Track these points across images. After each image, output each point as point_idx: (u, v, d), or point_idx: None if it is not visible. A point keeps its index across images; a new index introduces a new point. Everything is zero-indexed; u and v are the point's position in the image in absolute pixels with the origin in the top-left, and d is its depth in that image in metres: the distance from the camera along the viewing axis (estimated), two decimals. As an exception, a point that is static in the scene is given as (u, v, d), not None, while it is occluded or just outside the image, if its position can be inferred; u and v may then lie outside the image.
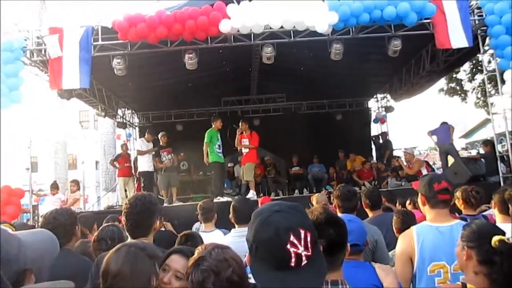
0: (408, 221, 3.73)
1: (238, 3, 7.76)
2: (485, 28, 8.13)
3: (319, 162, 12.77)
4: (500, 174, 8.38)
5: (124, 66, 8.28)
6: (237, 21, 7.55)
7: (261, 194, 10.91)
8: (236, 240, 3.40)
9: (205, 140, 9.38)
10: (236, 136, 9.89)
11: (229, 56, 10.25)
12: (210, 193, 10.50)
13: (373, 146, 14.70)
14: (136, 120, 14.98)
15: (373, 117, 15.27)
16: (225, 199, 9.06)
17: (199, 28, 7.55)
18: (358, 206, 3.82)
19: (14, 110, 7.75)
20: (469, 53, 9.65)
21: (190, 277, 1.54)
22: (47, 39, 7.93)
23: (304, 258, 1.23)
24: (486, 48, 8.72)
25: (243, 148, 9.86)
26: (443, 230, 2.58)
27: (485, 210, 4.37)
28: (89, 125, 33.39)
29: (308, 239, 1.25)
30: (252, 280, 1.39)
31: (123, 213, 2.68)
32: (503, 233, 2.02)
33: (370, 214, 4.48)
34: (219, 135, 9.60)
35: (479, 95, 16.25)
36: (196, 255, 1.58)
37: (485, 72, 8.96)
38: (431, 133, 10.55)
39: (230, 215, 3.85)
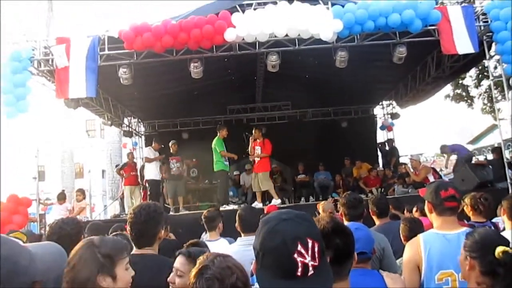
0: (415, 228, 3.69)
1: (243, 12, 7.81)
2: (490, 34, 8.12)
3: (325, 169, 12.73)
4: (508, 181, 8.31)
5: (130, 75, 8.33)
6: (242, 29, 7.59)
7: (267, 202, 10.89)
8: (242, 249, 3.38)
9: (219, 148, 9.44)
10: (250, 143, 9.92)
11: (234, 64, 10.29)
12: (216, 202, 10.50)
13: (379, 153, 14.64)
14: (142, 129, 15.04)
15: (379, 124, 15.23)
16: (231, 207, 9.06)
17: (205, 37, 7.59)
18: (365, 214, 3.80)
19: (21, 119, 7.81)
20: (475, 59, 9.62)
21: (194, 286, 1.54)
22: (55, 49, 8.01)
23: (310, 268, 1.22)
24: (492, 53, 8.70)
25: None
26: (450, 238, 2.56)
27: None
28: (96, 134, 33.54)
29: (316, 249, 1.25)
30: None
31: (127, 222, 2.68)
32: (508, 243, 1.97)
33: (377, 222, 4.45)
34: (224, 144, 9.64)
35: (485, 101, 16.18)
36: (198, 264, 1.57)
37: (491, 78, 8.93)
38: (450, 149, 10.40)
39: (236, 224, 3.84)
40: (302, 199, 11.95)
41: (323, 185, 12.14)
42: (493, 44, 8.34)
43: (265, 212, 5.48)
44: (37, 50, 8.24)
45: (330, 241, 1.74)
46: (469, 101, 16.47)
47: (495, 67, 11.84)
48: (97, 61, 8.02)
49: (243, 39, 7.80)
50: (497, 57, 8.95)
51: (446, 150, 10.48)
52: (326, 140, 13.25)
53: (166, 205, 10.52)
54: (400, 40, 8.23)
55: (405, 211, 5.91)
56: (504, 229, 3.69)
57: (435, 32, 8.06)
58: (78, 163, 29.29)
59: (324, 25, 7.57)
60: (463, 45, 7.88)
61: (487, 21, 8.14)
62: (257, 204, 9.11)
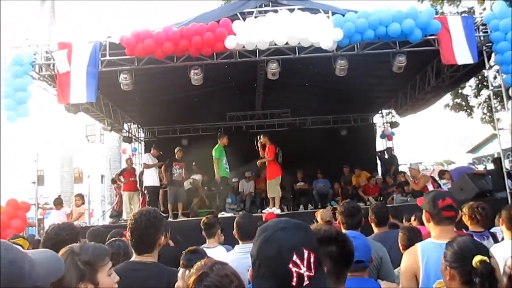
0: (414, 237, 3.69)
1: (244, 19, 7.85)
2: (490, 44, 8.16)
3: (324, 177, 12.72)
4: (508, 190, 8.31)
5: (131, 81, 8.36)
6: (242, 37, 7.63)
7: (266, 209, 10.88)
8: (240, 256, 3.38)
9: (215, 156, 9.45)
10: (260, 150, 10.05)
11: (235, 71, 10.32)
12: (215, 209, 10.49)
13: (378, 162, 14.64)
14: (141, 135, 15.06)
15: (378, 132, 15.25)
16: (229, 214, 9.05)
17: (205, 44, 7.63)
18: (363, 223, 3.79)
19: (21, 123, 7.82)
20: (475, 69, 9.65)
21: None
22: (56, 54, 8.04)
23: (306, 278, 1.22)
24: (492, 64, 8.74)
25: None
26: (447, 247, 2.56)
27: None
28: (95, 139, 33.56)
29: (312, 259, 1.24)
30: None
31: (128, 228, 2.67)
32: (486, 252, 2.01)
33: (376, 230, 4.44)
34: (225, 151, 9.71)
35: (485, 111, 16.20)
36: (197, 271, 1.57)
37: (491, 87, 8.96)
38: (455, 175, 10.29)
39: (234, 231, 3.83)
40: (301, 207, 11.93)
41: (322, 193, 12.12)
42: (493, 55, 8.38)
43: (264, 219, 5.47)
44: (39, 54, 8.26)
45: (326, 248, 1.75)
46: (468, 110, 16.48)
47: (495, 77, 11.88)
48: (98, 67, 8.06)
49: (244, 46, 7.84)
50: (496, 67, 9.01)
51: (447, 177, 10.43)
52: (325, 148, 13.25)
53: (162, 212, 10.50)
54: (400, 49, 8.27)
55: (403, 220, 5.91)
56: (503, 239, 3.69)
57: (435, 41, 8.11)
58: (77, 168, 29.30)
59: (324, 34, 7.61)
60: (463, 55, 7.92)
61: (486, 32, 8.18)
62: (275, 210, 9.14)
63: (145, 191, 10.93)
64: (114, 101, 11.50)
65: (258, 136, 10.51)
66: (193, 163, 12.21)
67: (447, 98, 15.69)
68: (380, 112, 15.47)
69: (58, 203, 11.13)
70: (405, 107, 13.20)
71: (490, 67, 8.95)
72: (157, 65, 8.40)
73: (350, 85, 10.80)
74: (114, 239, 3.61)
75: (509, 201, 7.83)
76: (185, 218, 10.04)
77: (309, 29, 7.61)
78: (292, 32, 7.64)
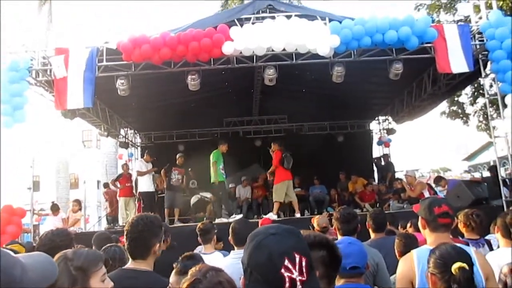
0: (410, 244, 3.69)
1: (241, 25, 7.87)
2: (486, 52, 8.20)
3: (321, 183, 12.72)
4: (503, 198, 8.33)
5: (128, 87, 8.36)
6: (240, 43, 7.65)
7: (262, 215, 10.85)
8: (235, 262, 3.36)
9: (212, 159, 9.54)
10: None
11: (232, 77, 10.34)
12: (213, 214, 10.48)
13: (374, 168, 14.66)
14: (138, 140, 15.04)
15: (375, 139, 15.29)
16: (225, 220, 9.03)
17: (203, 50, 7.64)
18: (359, 229, 3.78)
19: (17, 129, 7.79)
20: (471, 77, 9.70)
21: None
22: (53, 59, 8.03)
23: (298, 283, 1.21)
24: (488, 72, 8.79)
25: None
26: (443, 254, 2.56)
27: None
28: (92, 144, 33.49)
29: (303, 264, 1.23)
30: None
31: (124, 232, 2.66)
32: (468, 259, 2.03)
33: (372, 236, 4.44)
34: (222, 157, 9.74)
35: (481, 118, 16.26)
36: (190, 277, 1.56)
37: (486, 95, 9.00)
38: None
39: (229, 237, 3.82)
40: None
41: (318, 199, 12.12)
42: (489, 63, 8.42)
43: (259, 225, 5.46)
44: (36, 60, 8.25)
45: (318, 254, 1.76)
46: (464, 118, 16.56)
47: (491, 85, 11.93)
48: (95, 72, 8.05)
49: (241, 52, 7.86)
50: (492, 75, 9.03)
51: (443, 184, 10.44)
52: (322, 154, 13.26)
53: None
54: (396, 56, 8.31)
55: (399, 227, 5.91)
56: (498, 246, 3.69)
57: (431, 49, 8.14)
58: (73, 174, 29.18)
59: (321, 40, 7.64)
60: (458, 64, 7.96)
61: (482, 40, 8.23)
62: (271, 216, 9.20)
63: (140, 197, 10.90)
64: (111, 106, 11.49)
65: (268, 147, 10.49)
66: (189, 169, 12.20)
67: (444, 105, 15.78)
68: (376, 118, 15.51)
69: (55, 209, 11.09)
70: (401, 114, 13.25)
71: (486, 75, 9.01)
72: (154, 71, 8.40)
73: (347, 92, 10.84)
74: (110, 244, 3.60)
75: (505, 209, 7.84)
76: (181, 224, 10.01)
77: (306, 35, 7.64)
78: (289, 39, 7.67)
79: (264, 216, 8.90)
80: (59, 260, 1.76)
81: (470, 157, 32.02)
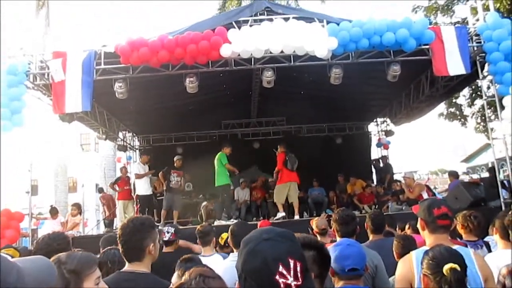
0: (408, 245, 3.69)
1: (239, 28, 7.88)
2: (483, 54, 8.21)
3: (319, 185, 12.71)
4: (501, 199, 8.34)
5: (126, 90, 8.35)
6: (238, 45, 7.66)
7: (261, 218, 10.87)
8: (233, 264, 3.35)
9: (223, 161, 9.72)
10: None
11: (230, 79, 10.35)
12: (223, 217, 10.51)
13: (373, 170, 14.67)
14: (136, 143, 15.02)
15: (373, 141, 15.30)
16: (224, 222, 9.04)
17: (201, 52, 7.64)
18: (358, 231, 3.78)
19: (16, 133, 7.78)
20: (469, 79, 9.72)
21: None
22: (51, 63, 8.02)
23: None
24: (485, 73, 8.79)
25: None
26: (442, 256, 2.56)
27: None
28: (90, 148, 33.41)
29: (298, 268, 1.22)
30: None
31: (117, 236, 2.65)
32: (461, 260, 2.04)
33: (371, 237, 4.44)
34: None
35: (478, 120, 16.28)
36: (178, 281, 1.56)
37: (484, 97, 9.01)
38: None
39: (228, 239, 3.82)
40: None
41: (317, 201, 12.11)
42: (486, 65, 8.43)
43: (258, 227, 5.45)
44: (33, 64, 8.24)
45: (308, 253, 1.79)
46: (462, 120, 16.57)
47: (488, 87, 11.94)
48: (93, 75, 8.04)
49: (239, 55, 7.86)
50: (490, 77, 9.04)
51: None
52: (320, 156, 13.26)
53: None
54: (394, 58, 8.32)
55: (397, 228, 5.92)
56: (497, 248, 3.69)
57: (429, 51, 8.16)
58: (71, 177, 29.11)
59: (319, 43, 7.65)
60: (455, 66, 7.97)
61: (480, 42, 8.25)
62: (279, 214, 9.53)
63: (137, 200, 10.88)
64: (109, 109, 11.48)
65: (274, 149, 10.56)
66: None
67: (441, 107, 15.78)
68: (375, 120, 15.52)
69: (54, 212, 11.07)
70: (399, 115, 13.26)
71: (484, 77, 9.01)
72: (152, 74, 8.40)
73: (345, 94, 10.85)
74: (109, 247, 3.58)
75: (503, 210, 7.84)
76: (180, 227, 9.96)
77: (304, 37, 7.65)
78: (287, 41, 7.68)
79: (266, 219, 8.95)
80: (53, 263, 1.76)
81: (468, 159, 32.01)
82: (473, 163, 29.59)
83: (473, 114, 16.35)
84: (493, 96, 8.54)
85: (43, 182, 27.32)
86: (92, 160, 28.91)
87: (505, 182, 8.84)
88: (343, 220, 3.67)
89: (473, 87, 14.56)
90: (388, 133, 14.66)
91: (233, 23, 8.04)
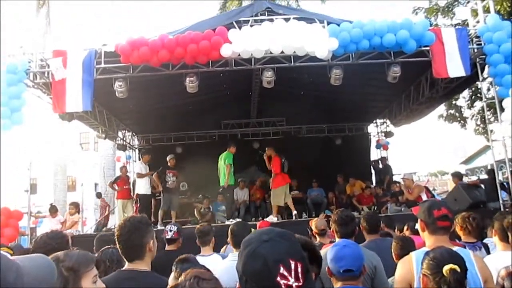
0: (407, 247, 3.69)
1: (240, 28, 7.88)
2: (483, 56, 8.22)
3: (318, 186, 12.69)
4: (501, 201, 8.34)
5: (126, 89, 8.35)
6: (238, 45, 7.66)
7: (260, 218, 10.86)
8: (233, 264, 3.35)
9: (227, 162, 9.73)
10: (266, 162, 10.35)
11: (230, 79, 10.34)
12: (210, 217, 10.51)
13: (372, 171, 14.66)
14: (136, 142, 15.01)
15: (373, 142, 15.30)
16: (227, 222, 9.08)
17: (201, 52, 7.64)
18: (357, 232, 3.78)
19: (15, 131, 7.77)
20: (468, 81, 9.72)
21: None
22: (51, 62, 8.02)
23: None
24: (485, 76, 8.80)
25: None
26: (442, 257, 2.56)
27: None
28: (89, 147, 33.37)
29: (299, 269, 1.21)
30: None
31: (115, 236, 2.65)
32: (462, 262, 2.05)
33: (367, 238, 4.44)
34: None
35: (478, 122, 16.28)
36: (174, 282, 1.56)
37: (484, 99, 9.01)
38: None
39: (228, 239, 3.81)
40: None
41: (316, 202, 12.11)
42: (486, 67, 8.44)
43: (258, 227, 5.44)
44: (33, 62, 8.24)
45: None
46: (462, 121, 16.57)
47: (488, 89, 11.95)
48: (93, 74, 8.04)
49: (239, 55, 7.86)
50: (490, 79, 9.04)
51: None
52: (320, 156, 13.26)
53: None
54: (394, 59, 8.33)
55: (395, 230, 5.91)
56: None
57: (429, 52, 8.16)
58: (70, 176, 29.07)
59: (319, 43, 7.65)
60: (455, 68, 7.98)
61: (480, 44, 8.25)
62: (271, 218, 9.61)
63: (137, 199, 10.88)
64: (108, 108, 11.47)
65: (260, 151, 10.66)
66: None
67: (441, 109, 15.77)
68: (374, 121, 15.53)
69: (54, 211, 11.06)
70: (399, 117, 13.26)
71: (484, 79, 9.02)
72: (152, 73, 8.40)
73: (345, 94, 10.86)
74: (107, 246, 3.58)
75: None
76: (179, 227, 9.96)
77: (304, 38, 7.66)
78: (287, 41, 7.68)
79: (264, 219, 8.96)
80: (52, 262, 1.76)
81: (467, 161, 32.03)
82: (472, 165, 29.62)
83: (472, 116, 16.34)
84: (493, 98, 8.55)
85: (42, 181, 27.28)
86: (92, 159, 28.86)
87: (504, 183, 8.84)
88: (342, 221, 3.66)
89: (473, 89, 14.55)
90: (388, 134, 14.67)
91: (234, 23, 8.05)
